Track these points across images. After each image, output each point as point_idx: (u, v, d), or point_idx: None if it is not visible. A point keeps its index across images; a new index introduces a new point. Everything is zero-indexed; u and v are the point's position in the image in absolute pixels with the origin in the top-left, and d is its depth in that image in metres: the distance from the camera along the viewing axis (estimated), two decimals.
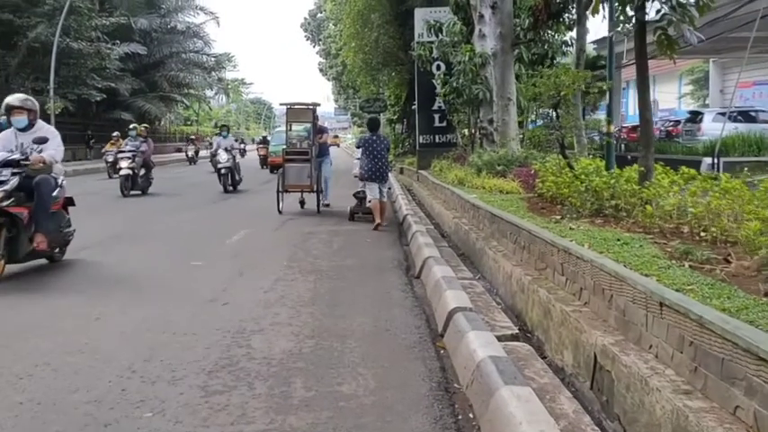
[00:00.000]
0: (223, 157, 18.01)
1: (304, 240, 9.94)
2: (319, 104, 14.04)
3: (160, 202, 15.90)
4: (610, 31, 8.36)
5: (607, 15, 9.55)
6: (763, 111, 22.90)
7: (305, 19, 64.16)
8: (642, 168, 6.77)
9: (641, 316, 3.76)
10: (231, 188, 18.21)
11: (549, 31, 14.30)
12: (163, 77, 43.25)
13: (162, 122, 53.26)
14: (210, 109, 73.95)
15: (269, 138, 35.22)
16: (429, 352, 4.58)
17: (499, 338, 4.23)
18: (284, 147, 13.98)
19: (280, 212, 12.97)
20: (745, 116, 21.94)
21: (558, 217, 7.14)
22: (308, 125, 14.09)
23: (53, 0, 29.40)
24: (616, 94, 19.43)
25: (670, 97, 41.66)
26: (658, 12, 6.52)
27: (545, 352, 4.91)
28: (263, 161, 31.30)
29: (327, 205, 13.92)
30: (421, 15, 20.51)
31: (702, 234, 5.25)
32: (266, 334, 5.01)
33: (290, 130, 14.34)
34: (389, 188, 14.80)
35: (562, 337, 4.57)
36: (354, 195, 12.86)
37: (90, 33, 32.04)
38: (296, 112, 13.89)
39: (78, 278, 7.25)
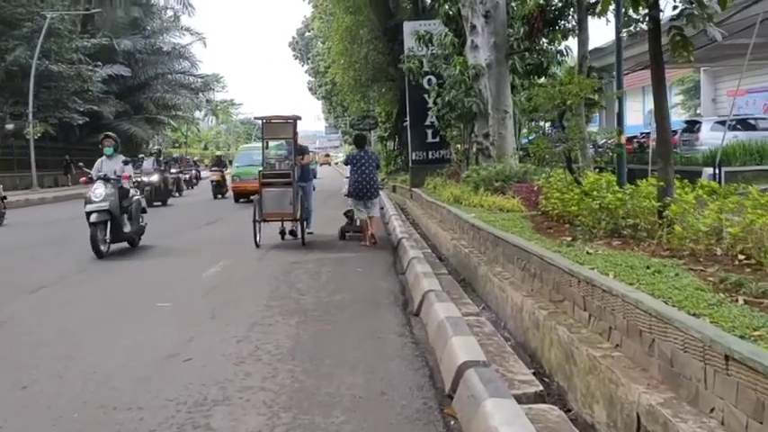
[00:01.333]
0: (98, 192, 10.37)
1: (288, 272, 8.94)
2: (300, 118, 12.09)
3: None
4: (618, 33, 7.72)
5: (611, 18, 8.97)
6: (763, 118, 22.42)
7: (293, 38, 63.89)
8: (661, 183, 6.07)
9: (697, 369, 3.03)
10: (130, 244, 11.42)
11: (545, 40, 13.66)
12: (149, 99, 42.54)
13: (150, 145, 52.48)
14: (199, 131, 73.26)
15: (227, 158, 29.85)
16: (437, 426, 3.66)
17: (520, 399, 3.49)
18: (259, 169, 12.10)
19: (257, 246, 11.18)
20: (744, 124, 21.45)
21: (569, 238, 6.44)
22: (288, 142, 12.11)
23: (31, 23, 28.72)
24: (609, 104, 18.92)
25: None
26: (675, 8, 5.86)
27: (568, 403, 4.17)
28: (217, 189, 25.49)
29: (311, 233, 12.29)
30: (410, 28, 19.87)
31: (741, 258, 4.57)
32: (232, 405, 4.04)
33: (267, 147, 12.35)
34: (382, 207, 14.06)
35: (591, 388, 3.84)
36: (345, 214, 12.52)
37: (71, 55, 31.37)
38: (273, 128, 12.00)
39: (15, 327, 6.11)
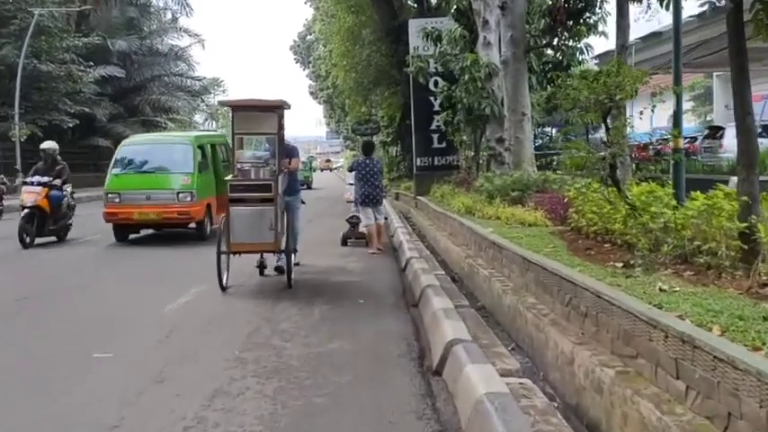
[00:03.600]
0: None
1: (273, 305, 7.14)
2: (288, 105, 8.97)
3: None
4: (676, 17, 6.49)
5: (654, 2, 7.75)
6: None
7: (294, 41, 62.96)
8: (744, 198, 4.81)
9: None
10: None
11: (566, 34, 12.43)
12: (144, 102, 41.10)
13: None
14: None
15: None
16: None
17: None
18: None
19: (223, 288, 7.92)
20: None
21: (620, 264, 5.20)
22: (270, 140, 8.76)
23: (19, 20, 27.45)
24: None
25: (669, 114, 40.37)
26: None
27: None
28: (30, 223, 12.06)
29: (297, 264, 9.05)
30: (417, 26, 18.68)
31: None
32: None
33: (241, 147, 8.92)
34: (386, 218, 12.92)
35: None
36: (347, 221, 12.38)
37: (63, 55, 30.06)
38: (248, 118, 8.55)
39: None
